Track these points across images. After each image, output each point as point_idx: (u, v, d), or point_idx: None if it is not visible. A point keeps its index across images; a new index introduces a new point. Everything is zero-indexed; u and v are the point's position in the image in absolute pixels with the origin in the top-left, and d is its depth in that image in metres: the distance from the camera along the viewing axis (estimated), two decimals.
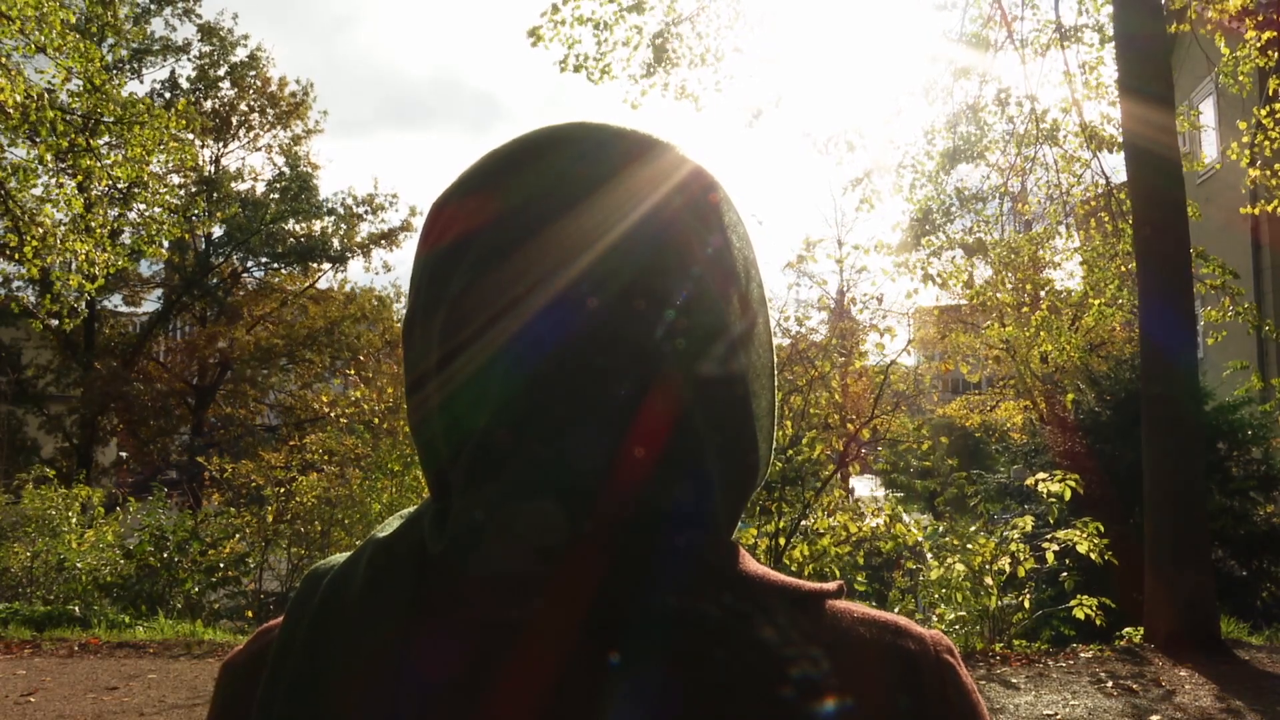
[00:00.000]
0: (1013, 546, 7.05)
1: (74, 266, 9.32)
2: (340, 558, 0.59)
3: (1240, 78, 9.33)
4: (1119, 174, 9.35)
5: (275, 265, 24.89)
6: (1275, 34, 8.92)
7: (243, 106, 23.25)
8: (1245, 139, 9.24)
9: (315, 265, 24.65)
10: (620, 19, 9.49)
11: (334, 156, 66.02)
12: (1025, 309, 13.63)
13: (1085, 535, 7.00)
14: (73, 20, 8.73)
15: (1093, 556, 6.93)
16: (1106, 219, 10.09)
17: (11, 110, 8.21)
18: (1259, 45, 8.90)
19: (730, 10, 10.11)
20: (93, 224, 9.30)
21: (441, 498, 0.57)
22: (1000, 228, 12.14)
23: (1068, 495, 7.22)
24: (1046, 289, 13.44)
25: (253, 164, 27.61)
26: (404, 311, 0.62)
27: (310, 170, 24.08)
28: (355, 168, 64.49)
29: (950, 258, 12.09)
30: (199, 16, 22.18)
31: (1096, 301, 10.68)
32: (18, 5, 8.01)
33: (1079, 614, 6.86)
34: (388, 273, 42.52)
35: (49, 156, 9.12)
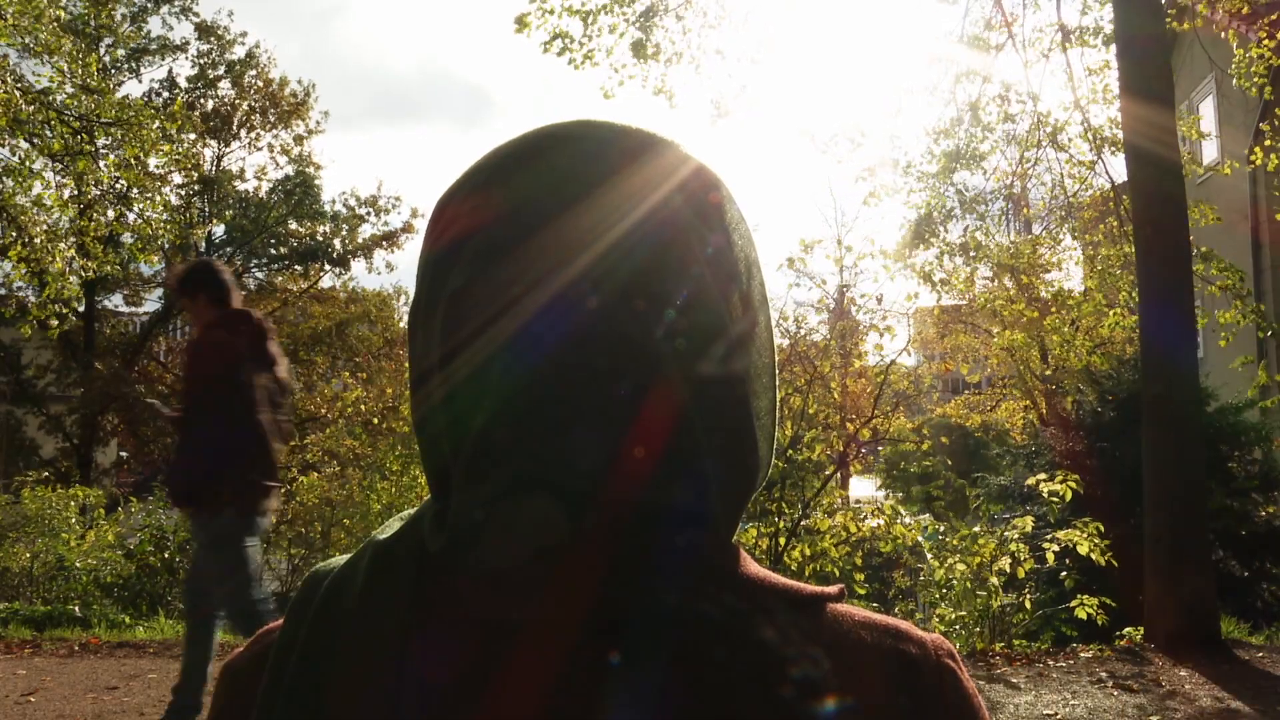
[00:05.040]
0: (1013, 547, 7.06)
1: (69, 268, 9.29)
2: (341, 559, 0.59)
3: (1256, 79, 9.30)
4: (1124, 177, 9.35)
5: (277, 266, 24.89)
6: None
7: (244, 107, 23.24)
8: (1268, 142, 9.22)
9: (317, 266, 24.65)
10: (607, 10, 9.48)
11: (334, 157, 66.05)
12: (1035, 314, 13.61)
13: (1085, 535, 7.01)
14: (64, 17, 8.72)
15: (1093, 557, 6.93)
16: (1115, 223, 10.06)
17: (3, 110, 8.19)
18: (1272, 46, 8.88)
19: (716, 6, 10.11)
20: (84, 228, 9.27)
21: (442, 497, 0.57)
22: (1004, 228, 12.13)
23: (1068, 495, 7.22)
24: (1052, 292, 13.41)
25: (256, 164, 27.52)
26: (407, 310, 0.62)
27: (313, 172, 24.09)
28: (349, 163, 64.57)
29: (953, 263, 12.07)
30: (196, 15, 22.17)
31: (1113, 313, 10.62)
32: (9, 5, 8.00)
33: (1080, 614, 6.87)
34: (390, 273, 42.57)
35: (39, 157, 9.09)
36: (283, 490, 9.80)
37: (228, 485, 3.68)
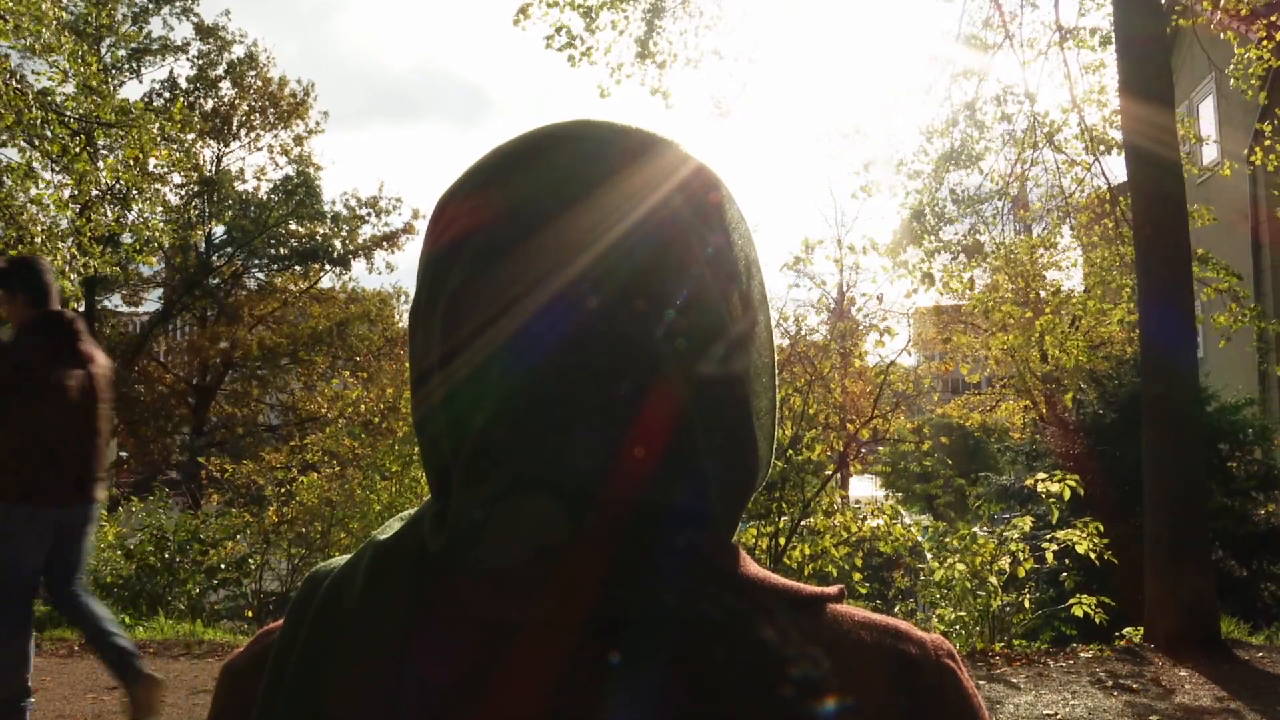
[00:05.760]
0: (1012, 546, 7.06)
1: (69, 266, 9.26)
2: (341, 560, 0.59)
3: (1253, 80, 9.29)
4: (1122, 178, 9.34)
5: (277, 267, 24.90)
6: None
7: (244, 107, 23.24)
8: (1268, 141, 9.21)
9: (317, 267, 24.66)
10: (609, 6, 9.45)
11: (334, 157, 66.43)
12: (1029, 314, 13.61)
13: (1085, 535, 7.01)
14: (65, 18, 8.70)
15: (1091, 557, 6.93)
16: (1110, 225, 10.05)
17: (4, 110, 8.17)
18: (1270, 46, 8.87)
19: (714, 6, 10.11)
20: (83, 227, 9.25)
21: (442, 497, 0.57)
22: (1000, 228, 12.12)
23: (1067, 496, 7.22)
24: (1049, 291, 13.41)
25: (256, 164, 27.51)
26: (407, 310, 0.62)
27: (313, 172, 24.08)
28: (348, 161, 65.13)
29: (948, 261, 12.05)
30: (196, 15, 22.18)
31: (1117, 314, 10.60)
32: (10, 4, 7.98)
33: (1078, 612, 6.87)
34: (390, 273, 42.51)
35: (38, 157, 9.07)
36: (283, 490, 9.83)
37: (24, 480, 3.85)
